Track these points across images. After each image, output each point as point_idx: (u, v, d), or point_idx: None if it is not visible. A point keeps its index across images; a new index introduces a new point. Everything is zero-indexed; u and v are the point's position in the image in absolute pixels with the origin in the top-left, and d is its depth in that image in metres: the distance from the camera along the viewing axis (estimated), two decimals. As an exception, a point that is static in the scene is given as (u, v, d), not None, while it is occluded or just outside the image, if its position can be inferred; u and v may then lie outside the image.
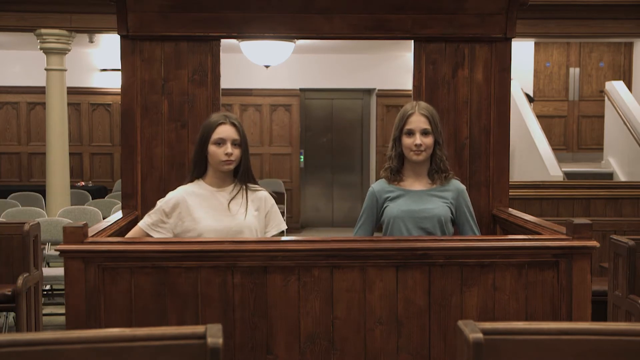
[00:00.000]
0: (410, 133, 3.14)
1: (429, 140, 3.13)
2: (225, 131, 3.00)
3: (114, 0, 3.63)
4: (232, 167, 3.02)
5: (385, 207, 3.21)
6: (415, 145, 3.12)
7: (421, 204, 3.17)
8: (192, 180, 3.11)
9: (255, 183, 3.15)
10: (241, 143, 3.02)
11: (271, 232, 3.13)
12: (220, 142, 2.99)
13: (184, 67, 3.71)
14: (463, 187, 3.27)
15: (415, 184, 3.22)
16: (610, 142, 9.48)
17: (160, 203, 3.10)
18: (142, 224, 3.09)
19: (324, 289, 2.71)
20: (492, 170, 3.75)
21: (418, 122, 3.13)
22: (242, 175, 3.06)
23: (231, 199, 3.05)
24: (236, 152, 3.01)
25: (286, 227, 3.20)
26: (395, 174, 3.22)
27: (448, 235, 3.17)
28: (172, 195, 3.09)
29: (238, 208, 3.05)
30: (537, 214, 5.23)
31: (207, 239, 2.93)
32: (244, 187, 3.08)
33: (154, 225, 3.06)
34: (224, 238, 2.89)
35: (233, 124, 3.02)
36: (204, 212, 3.04)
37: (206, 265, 2.69)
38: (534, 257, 2.76)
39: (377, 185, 3.27)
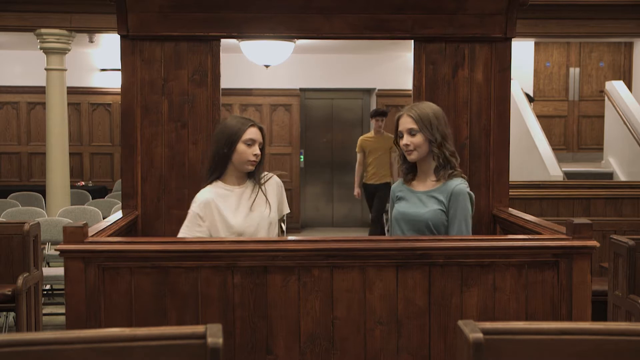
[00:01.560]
0: (401, 135, 3.22)
1: (416, 139, 3.16)
2: (255, 133, 3.15)
3: (114, 0, 3.63)
4: (254, 167, 3.16)
5: (394, 206, 3.33)
6: (404, 145, 3.19)
7: (416, 207, 3.21)
8: (211, 182, 3.19)
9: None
10: (264, 147, 3.20)
11: (279, 215, 3.29)
12: (251, 143, 3.13)
13: (184, 67, 3.71)
14: (460, 188, 3.18)
15: (421, 184, 3.27)
16: (610, 142, 9.47)
17: (192, 210, 3.15)
18: (182, 236, 3.14)
19: (324, 289, 2.71)
20: (492, 170, 3.75)
21: (404, 123, 3.21)
22: (257, 173, 3.20)
23: (256, 197, 3.17)
24: (259, 154, 3.17)
25: (289, 211, 3.39)
26: (407, 174, 3.31)
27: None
28: (202, 199, 3.15)
29: (261, 202, 3.18)
30: (537, 214, 5.23)
31: (208, 238, 2.95)
32: (258, 180, 3.21)
33: (194, 232, 3.12)
34: (226, 238, 2.90)
35: (260, 128, 3.20)
36: (232, 211, 3.13)
37: (206, 265, 2.69)
38: (534, 257, 2.76)
39: (395, 184, 3.42)
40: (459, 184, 3.20)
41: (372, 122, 8.62)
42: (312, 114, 11.42)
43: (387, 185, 7.94)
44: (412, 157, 3.20)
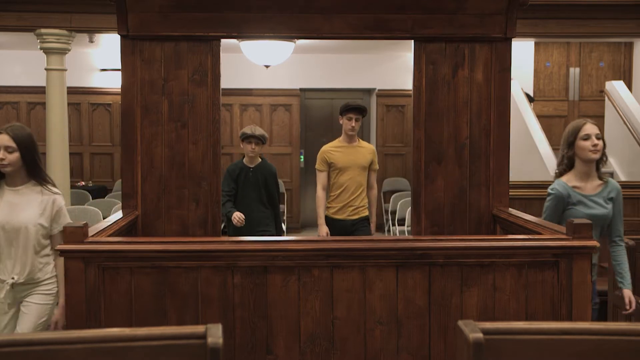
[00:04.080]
0: (587, 137, 3.63)
1: None
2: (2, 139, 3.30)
3: (114, 0, 3.63)
4: (7, 169, 3.31)
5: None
6: (594, 146, 3.63)
7: (598, 209, 3.59)
8: None
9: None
10: (19, 149, 3.30)
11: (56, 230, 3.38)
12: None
13: (184, 67, 3.71)
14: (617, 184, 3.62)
15: (589, 187, 3.63)
16: (610, 142, 9.42)
17: None
18: None
19: (324, 289, 2.71)
20: (492, 170, 3.75)
21: (592, 128, 3.65)
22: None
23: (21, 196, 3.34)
24: (9, 157, 3.28)
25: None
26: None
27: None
28: None
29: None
30: (537, 214, 5.22)
31: (208, 238, 2.95)
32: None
33: None
34: (226, 238, 2.90)
35: (7, 133, 3.33)
36: None
37: (206, 265, 2.69)
38: (534, 257, 2.76)
39: (562, 188, 3.55)
40: (614, 181, 3.62)
41: (343, 122, 5.60)
42: (312, 114, 11.42)
43: (367, 222, 5.34)
44: (596, 156, 3.50)
